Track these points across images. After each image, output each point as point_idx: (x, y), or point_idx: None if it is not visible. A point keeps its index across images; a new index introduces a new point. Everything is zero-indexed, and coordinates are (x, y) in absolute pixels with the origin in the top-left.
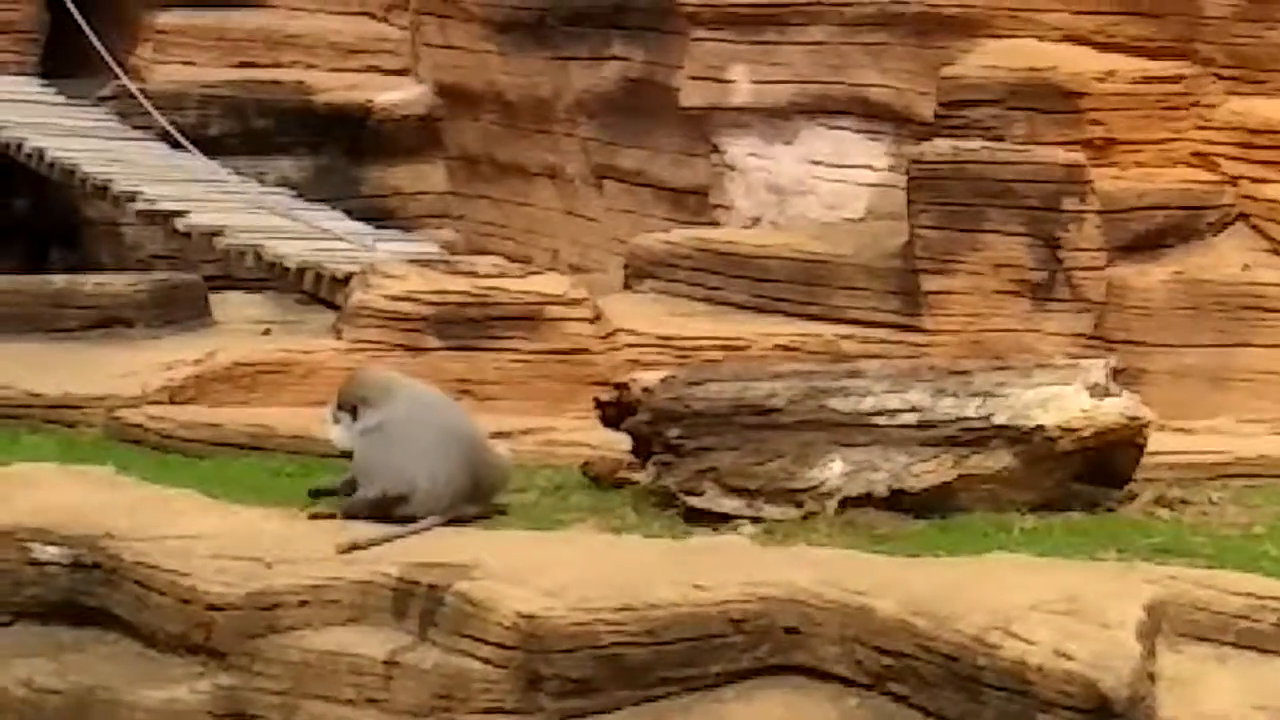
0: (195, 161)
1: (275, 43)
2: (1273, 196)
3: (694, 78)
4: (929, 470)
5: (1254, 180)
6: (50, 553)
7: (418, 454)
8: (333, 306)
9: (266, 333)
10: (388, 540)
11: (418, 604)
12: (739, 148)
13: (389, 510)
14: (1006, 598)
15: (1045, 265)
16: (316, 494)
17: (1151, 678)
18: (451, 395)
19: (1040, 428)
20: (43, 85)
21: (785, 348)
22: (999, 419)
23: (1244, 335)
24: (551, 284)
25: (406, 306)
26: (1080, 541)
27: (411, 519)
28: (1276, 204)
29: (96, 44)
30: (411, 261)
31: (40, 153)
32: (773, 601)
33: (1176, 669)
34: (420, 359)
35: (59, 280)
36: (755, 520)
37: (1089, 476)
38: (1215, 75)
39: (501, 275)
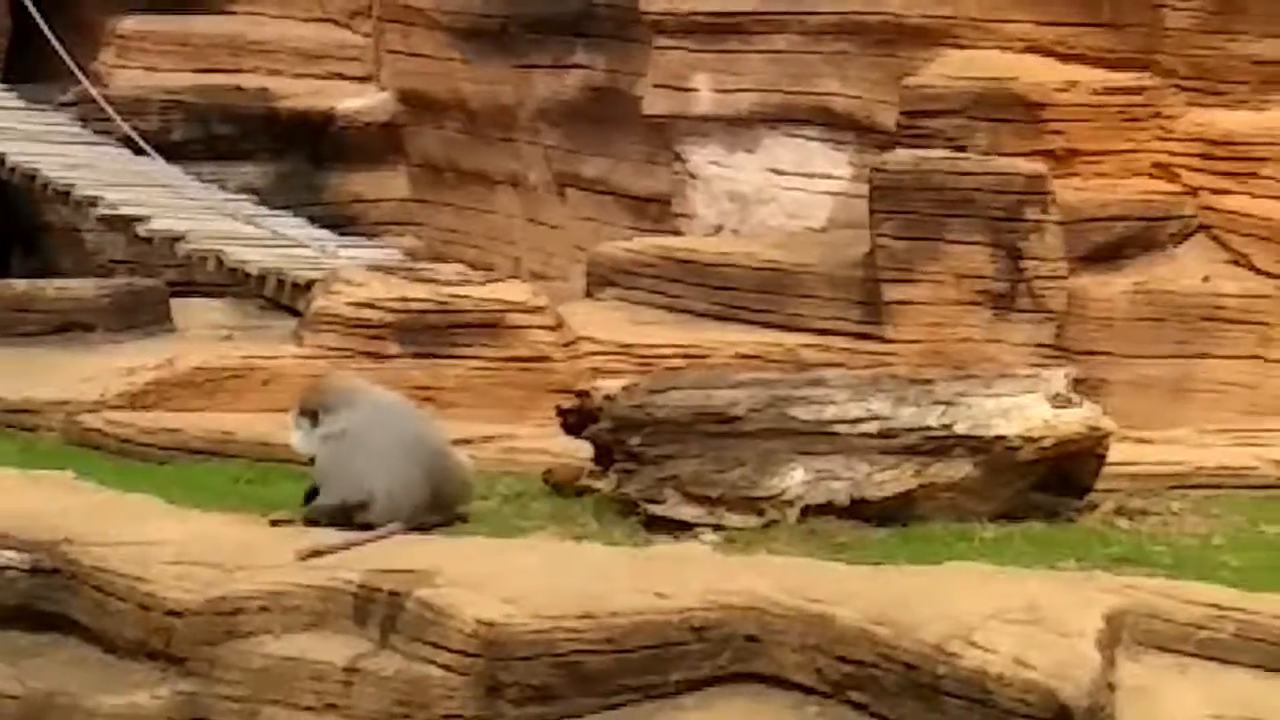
0: (157, 167)
1: (238, 49)
2: (1233, 208)
3: (657, 86)
4: (890, 479)
5: (1215, 191)
6: (9, 557)
7: (378, 461)
8: (294, 313)
9: (228, 339)
10: (349, 547)
11: (379, 611)
12: (701, 156)
13: (350, 517)
14: (967, 607)
15: (1007, 275)
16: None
17: (1111, 687)
18: (414, 402)
19: (1001, 437)
20: (4, 89)
21: (747, 356)
22: (960, 428)
23: (1204, 346)
24: (513, 291)
25: (368, 313)
26: (1040, 551)
27: (372, 526)
28: (1237, 215)
29: (59, 49)
30: (373, 268)
31: (1, 157)
32: (733, 610)
33: (1136, 678)
34: (382, 366)
35: (20, 285)
36: (716, 528)
37: (1050, 486)
38: (1176, 86)
39: (463, 283)
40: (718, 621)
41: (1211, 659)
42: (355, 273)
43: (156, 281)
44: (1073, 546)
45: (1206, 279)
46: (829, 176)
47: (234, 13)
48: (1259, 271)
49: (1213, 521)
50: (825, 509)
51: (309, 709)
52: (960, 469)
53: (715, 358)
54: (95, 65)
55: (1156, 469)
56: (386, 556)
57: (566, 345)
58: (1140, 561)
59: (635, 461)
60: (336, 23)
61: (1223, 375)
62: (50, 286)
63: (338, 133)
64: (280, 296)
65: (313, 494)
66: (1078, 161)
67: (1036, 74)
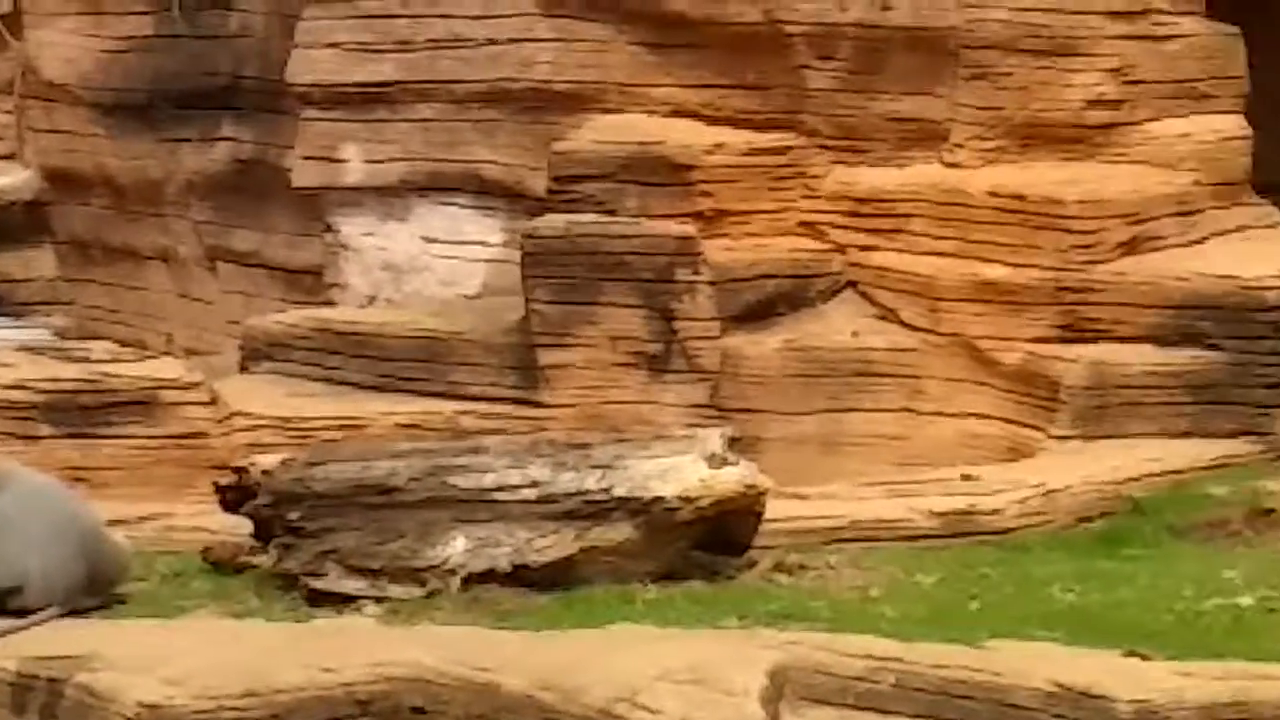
0: None
1: None
2: (880, 264)
3: (305, 157)
4: (551, 544)
5: (861, 248)
6: None
7: (31, 544)
8: None
9: None
10: (4, 634)
11: (37, 698)
12: (353, 227)
13: (3, 603)
14: (632, 669)
15: (660, 337)
16: None
17: None
18: (67, 483)
19: (660, 498)
20: None
21: (405, 426)
22: (619, 491)
23: (855, 400)
24: (166, 368)
25: (17, 395)
26: (702, 610)
27: (27, 611)
28: (883, 271)
29: None
30: (21, 349)
31: None
32: (398, 681)
33: None
34: (33, 447)
35: None
36: (379, 600)
37: (709, 545)
38: (821, 146)
39: (115, 360)
40: (383, 694)
41: (872, 710)
42: (3, 354)
43: None
44: (734, 604)
45: (855, 334)
46: (481, 243)
47: None
48: (906, 326)
49: (869, 574)
50: (487, 577)
51: None
52: (620, 532)
53: (373, 428)
54: None
55: (813, 524)
56: (43, 642)
57: (222, 421)
58: (800, 616)
59: (295, 536)
60: None
61: (874, 429)
62: None
63: None
64: None
65: None
66: (727, 222)
67: (684, 137)
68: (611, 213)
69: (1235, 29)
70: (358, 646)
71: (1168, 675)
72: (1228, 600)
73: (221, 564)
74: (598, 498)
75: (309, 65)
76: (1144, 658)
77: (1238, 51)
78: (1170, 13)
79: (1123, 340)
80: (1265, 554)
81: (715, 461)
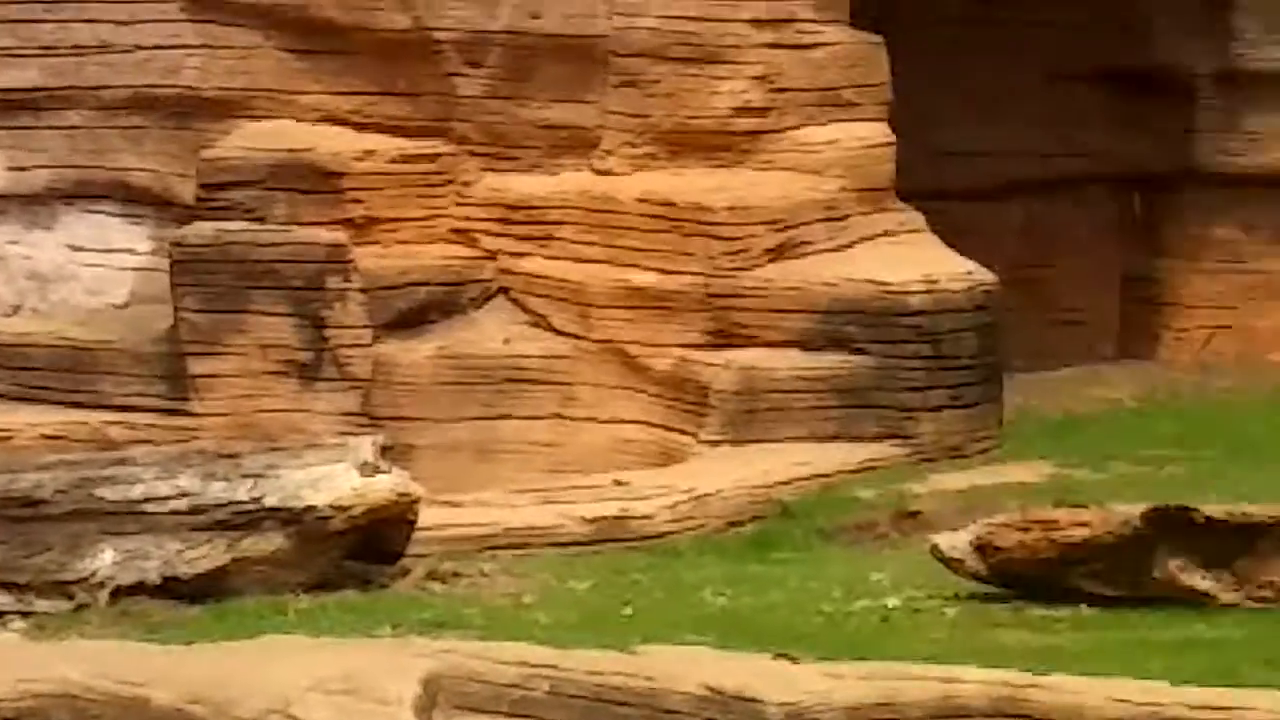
0: None
1: None
2: (530, 270)
3: None
4: (202, 555)
5: (512, 255)
6: None
7: None
8: None
9: None
10: None
11: None
12: None
13: None
14: (284, 680)
15: (312, 345)
16: None
17: None
18: None
19: (312, 508)
20: None
21: (51, 437)
22: (270, 500)
23: (508, 407)
24: None
25: None
26: (355, 619)
27: None
28: (534, 277)
29: None
30: None
31: None
32: (45, 698)
33: None
34: None
35: None
36: (25, 615)
37: (362, 554)
38: (472, 153)
39: None
40: (29, 711)
41: (526, 717)
42: None
43: None
44: (387, 613)
45: (507, 341)
46: (129, 251)
47: None
48: (558, 332)
49: (523, 581)
50: (137, 589)
51: None
52: (272, 541)
53: (18, 440)
54: None
55: (466, 531)
56: None
57: None
58: (454, 624)
59: None
60: None
61: (527, 435)
62: None
63: None
64: None
65: None
66: (378, 229)
67: (333, 143)
68: (261, 220)
69: (878, 38)
70: (2, 663)
71: (816, 677)
72: (875, 602)
73: None
74: (249, 508)
75: None
76: (793, 660)
77: (881, 60)
78: (815, 21)
79: (771, 345)
80: (911, 555)
81: (367, 470)
